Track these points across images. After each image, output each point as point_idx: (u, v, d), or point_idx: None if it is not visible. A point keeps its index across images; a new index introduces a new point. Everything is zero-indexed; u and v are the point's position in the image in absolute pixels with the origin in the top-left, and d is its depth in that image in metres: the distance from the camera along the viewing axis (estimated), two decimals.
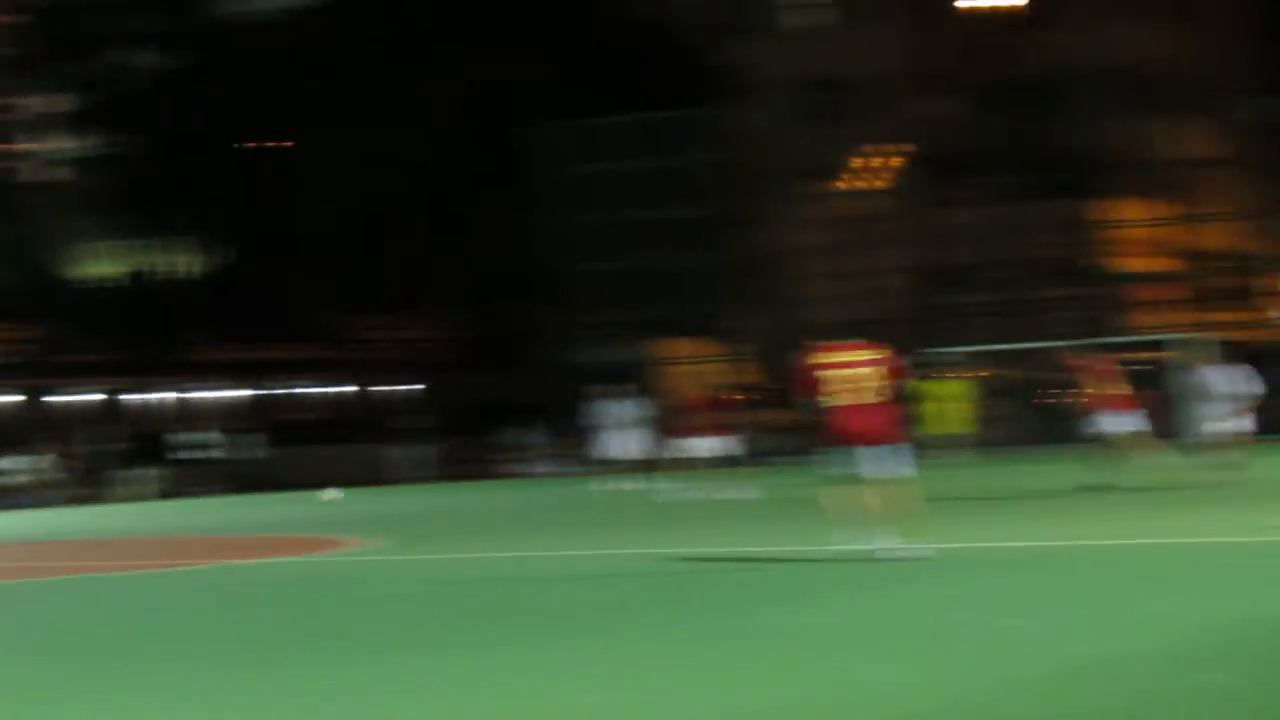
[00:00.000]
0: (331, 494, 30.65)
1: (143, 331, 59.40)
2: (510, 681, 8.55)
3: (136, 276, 63.31)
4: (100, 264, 73.76)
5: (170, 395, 69.25)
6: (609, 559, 16.14)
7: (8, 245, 56.00)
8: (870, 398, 13.62)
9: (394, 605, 13.20)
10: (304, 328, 63.94)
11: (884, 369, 13.74)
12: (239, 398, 69.04)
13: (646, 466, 30.27)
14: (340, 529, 23.31)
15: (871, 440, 13.60)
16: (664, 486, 27.37)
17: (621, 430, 31.29)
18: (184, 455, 49.45)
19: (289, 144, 62.20)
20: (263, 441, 50.92)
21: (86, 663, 10.61)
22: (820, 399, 13.68)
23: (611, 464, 31.47)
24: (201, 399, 72.07)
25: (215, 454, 49.64)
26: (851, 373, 13.66)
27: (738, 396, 33.59)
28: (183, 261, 65.27)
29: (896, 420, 13.78)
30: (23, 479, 46.80)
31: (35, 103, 64.12)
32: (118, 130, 64.44)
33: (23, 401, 68.44)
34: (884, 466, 13.61)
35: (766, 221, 54.37)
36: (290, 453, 53.54)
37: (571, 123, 55.32)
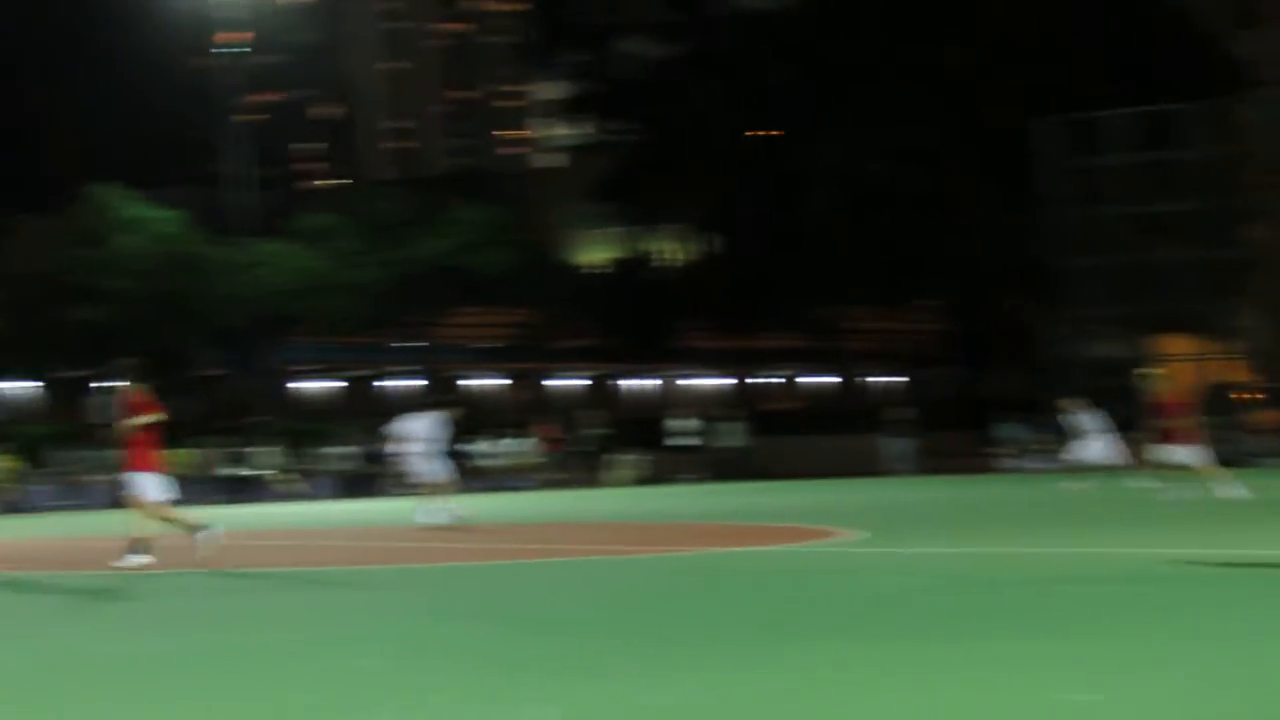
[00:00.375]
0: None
1: (632, 318, 60.40)
2: (984, 675, 8.31)
3: (627, 263, 64.45)
4: (593, 250, 75.53)
5: (657, 381, 70.45)
6: (1089, 558, 15.43)
7: (507, 230, 57.68)
8: None
9: (881, 597, 12.86)
10: (791, 317, 64.07)
11: None
12: (723, 385, 69.64)
13: (1129, 467, 29.82)
14: (823, 519, 22.90)
15: None
16: (1158, 486, 26.55)
17: (1102, 432, 31.27)
18: (671, 442, 49.96)
19: (778, 134, 62.36)
20: (745, 430, 51.07)
21: (591, 641, 10.74)
22: None
23: (1091, 464, 31.07)
24: (687, 385, 73.11)
25: (696, 441, 49.99)
26: None
27: (1235, 396, 32.53)
28: (673, 249, 66.17)
29: None
30: (503, 462, 48.03)
31: (538, 90, 66.07)
32: (614, 118, 65.71)
33: (510, 385, 70.61)
34: None
35: (1272, 218, 51.94)
36: (770, 441, 53.70)
37: (1075, 116, 54.00)
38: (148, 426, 16.99)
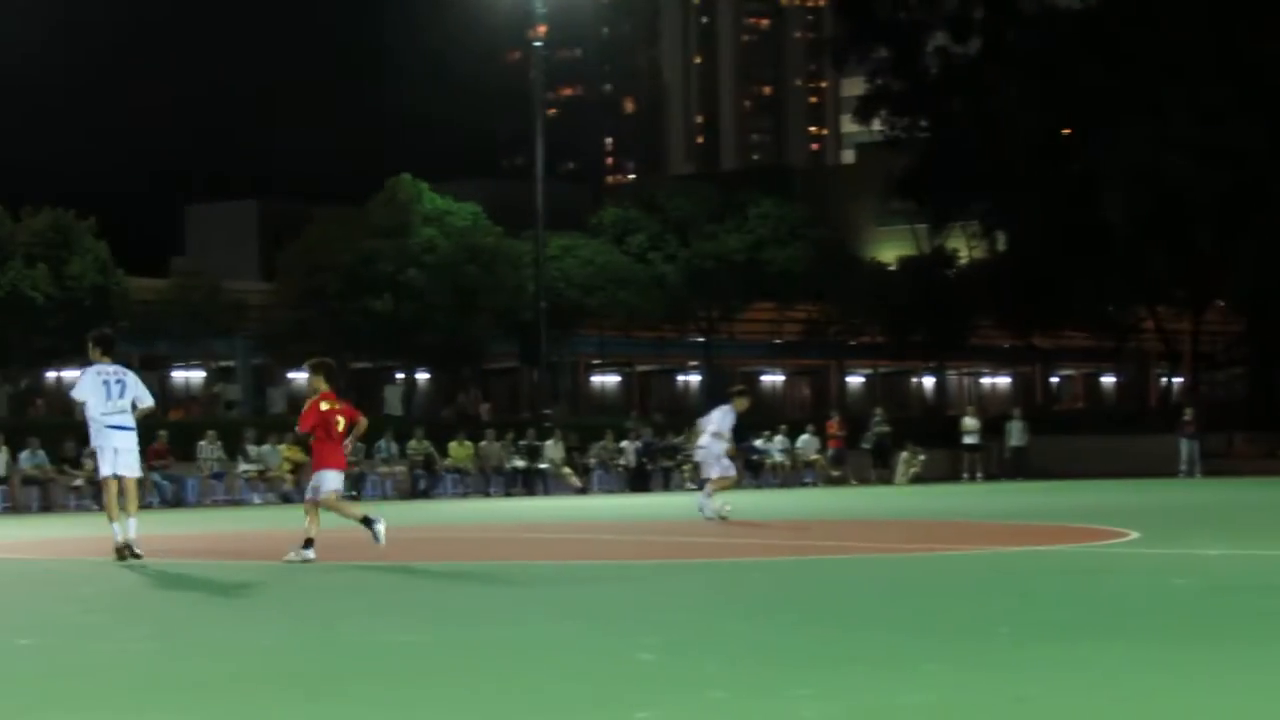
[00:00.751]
0: None
1: (922, 315, 60.02)
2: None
3: (919, 260, 64.02)
4: (886, 246, 75.13)
5: (945, 379, 69.85)
6: None
7: (801, 225, 57.75)
8: None
9: (1160, 598, 12.61)
10: (1081, 316, 63.08)
11: None
12: (1010, 383, 68.78)
13: None
14: (1107, 520, 22.50)
15: None
16: None
17: None
18: (961, 440, 49.60)
19: (1075, 131, 61.27)
20: (1027, 428, 50.47)
21: (873, 636, 10.73)
22: None
23: None
24: (975, 383, 72.35)
25: (981, 439, 49.50)
26: None
27: None
28: (965, 246, 65.56)
29: None
30: (788, 458, 48.08)
31: (837, 86, 65.89)
32: (911, 114, 65.29)
33: (798, 381, 70.54)
34: None
35: None
36: (1055, 441, 53.08)
37: None
38: (333, 424, 17.17)
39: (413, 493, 42.40)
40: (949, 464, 49.14)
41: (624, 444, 46.15)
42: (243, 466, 40.17)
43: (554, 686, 8.77)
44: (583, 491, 43.40)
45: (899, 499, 35.54)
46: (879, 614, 12.17)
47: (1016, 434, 50.07)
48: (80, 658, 10.22)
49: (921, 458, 48.68)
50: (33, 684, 9.11)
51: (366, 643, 10.68)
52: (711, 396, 61.15)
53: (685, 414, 58.07)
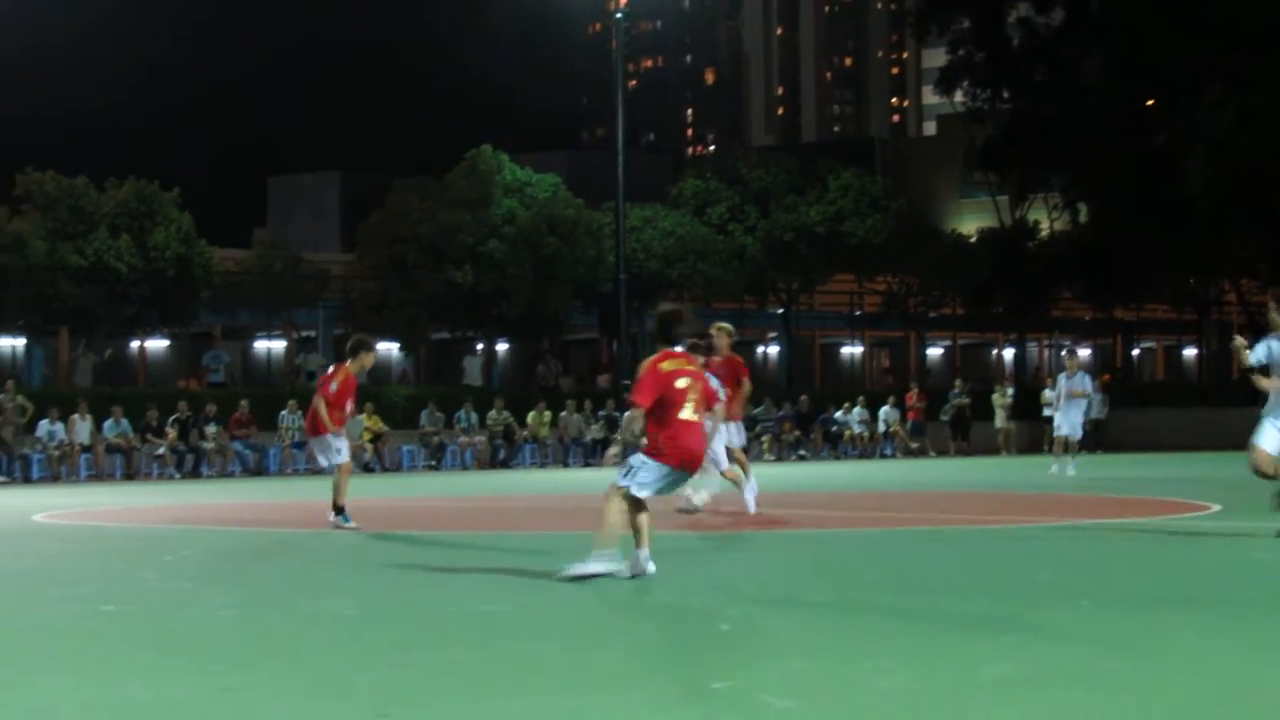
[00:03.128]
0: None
1: (1003, 286, 59.68)
2: None
3: (1000, 232, 63.64)
4: (966, 218, 74.71)
5: (1026, 350, 69.47)
6: None
7: (883, 197, 57.43)
8: None
9: (1244, 570, 12.46)
10: (1163, 288, 62.47)
11: None
12: (1091, 355, 68.27)
13: None
14: (1188, 493, 22.35)
15: None
16: None
17: None
18: (1048, 413, 49.37)
19: (1157, 102, 60.64)
20: (1107, 400, 50.13)
21: (948, 604, 10.71)
22: None
23: None
24: (1056, 355, 71.82)
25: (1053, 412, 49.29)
26: None
27: None
28: (1047, 218, 65.13)
29: None
30: (859, 430, 47.98)
31: (918, 57, 65.49)
32: (992, 85, 64.87)
33: (878, 353, 70.31)
34: None
35: None
36: (1135, 413, 52.69)
37: None
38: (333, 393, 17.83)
39: (492, 463, 42.58)
40: (1029, 436, 48.91)
41: None
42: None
43: (632, 655, 8.79)
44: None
45: (978, 471, 35.36)
46: (959, 585, 12.13)
47: (1096, 406, 49.77)
48: (163, 624, 10.33)
49: (1010, 391, 48.98)
50: (116, 651, 9.22)
51: (446, 612, 10.75)
52: (791, 367, 61.20)
53: (765, 385, 57.95)
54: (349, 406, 18.04)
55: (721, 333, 19.70)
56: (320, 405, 17.89)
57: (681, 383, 12.09)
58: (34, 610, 11.27)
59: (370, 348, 18.25)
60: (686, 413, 12.05)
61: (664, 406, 12.06)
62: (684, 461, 12.09)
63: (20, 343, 48.49)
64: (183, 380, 49.33)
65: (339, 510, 17.52)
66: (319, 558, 14.84)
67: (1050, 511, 20.65)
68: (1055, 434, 31.37)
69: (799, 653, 8.66)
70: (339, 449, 17.81)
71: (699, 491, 19.02)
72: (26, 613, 11.13)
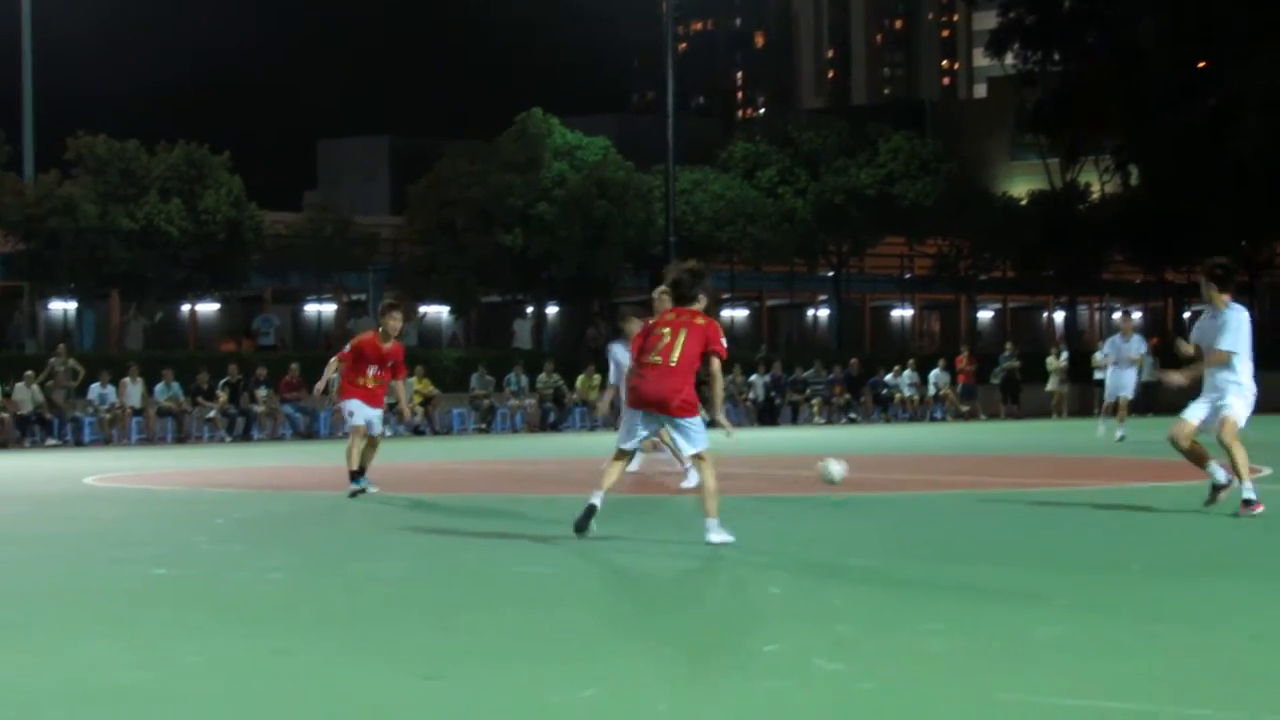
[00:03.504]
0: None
1: (1053, 249, 59.40)
2: None
3: (1050, 194, 63.28)
4: (1017, 181, 74.31)
5: (1076, 314, 69.15)
6: None
7: (933, 160, 57.19)
8: None
9: None
10: (1215, 251, 62.02)
11: None
12: (1142, 319, 67.92)
13: None
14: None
15: None
16: None
17: None
18: (1099, 376, 49.14)
19: (1209, 64, 60.18)
20: (1155, 364, 49.85)
21: (996, 571, 10.69)
22: None
23: None
24: (1106, 319, 71.48)
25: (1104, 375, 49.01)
26: None
27: None
28: (1097, 180, 64.74)
29: None
30: (909, 393, 47.83)
31: (968, 19, 65.14)
32: (1042, 48, 64.46)
33: (928, 316, 70.07)
34: None
35: None
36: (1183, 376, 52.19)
37: None
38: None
39: (542, 426, 42.65)
40: (1081, 399, 48.72)
41: (753, 378, 46.10)
42: None
43: (682, 618, 8.79)
44: (710, 425, 43.41)
45: (1029, 434, 35.26)
46: (1008, 549, 12.10)
47: (1147, 369, 49.47)
48: (214, 587, 10.38)
49: (1064, 354, 48.83)
50: (167, 613, 9.27)
51: (494, 575, 10.77)
52: (841, 330, 61.08)
53: (814, 348, 57.86)
54: (373, 371, 17.58)
55: (667, 296, 19.06)
56: (330, 365, 18.07)
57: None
58: (86, 573, 11.35)
59: (393, 309, 17.90)
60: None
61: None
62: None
63: (72, 306, 48.77)
64: (225, 343, 49.54)
65: (353, 475, 17.41)
66: (369, 521, 14.89)
67: (1100, 476, 20.58)
68: (1107, 397, 31.07)
69: (848, 617, 8.65)
70: (350, 412, 17.65)
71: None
72: (78, 575, 11.21)
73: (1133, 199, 61.79)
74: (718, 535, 11.83)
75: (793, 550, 12.12)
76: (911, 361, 49.12)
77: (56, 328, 49.88)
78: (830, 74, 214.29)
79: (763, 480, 20.25)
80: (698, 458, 12.14)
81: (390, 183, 71.20)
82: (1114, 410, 30.58)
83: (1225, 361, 14.14)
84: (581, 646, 7.95)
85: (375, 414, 17.68)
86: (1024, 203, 63.22)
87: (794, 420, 45.64)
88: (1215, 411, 14.29)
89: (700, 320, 12.22)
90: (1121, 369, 30.52)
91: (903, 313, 67.80)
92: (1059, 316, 69.38)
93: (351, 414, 17.62)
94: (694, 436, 12.10)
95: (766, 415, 45.31)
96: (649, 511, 15.23)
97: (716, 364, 12.21)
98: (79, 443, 36.06)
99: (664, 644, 7.99)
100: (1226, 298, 14.18)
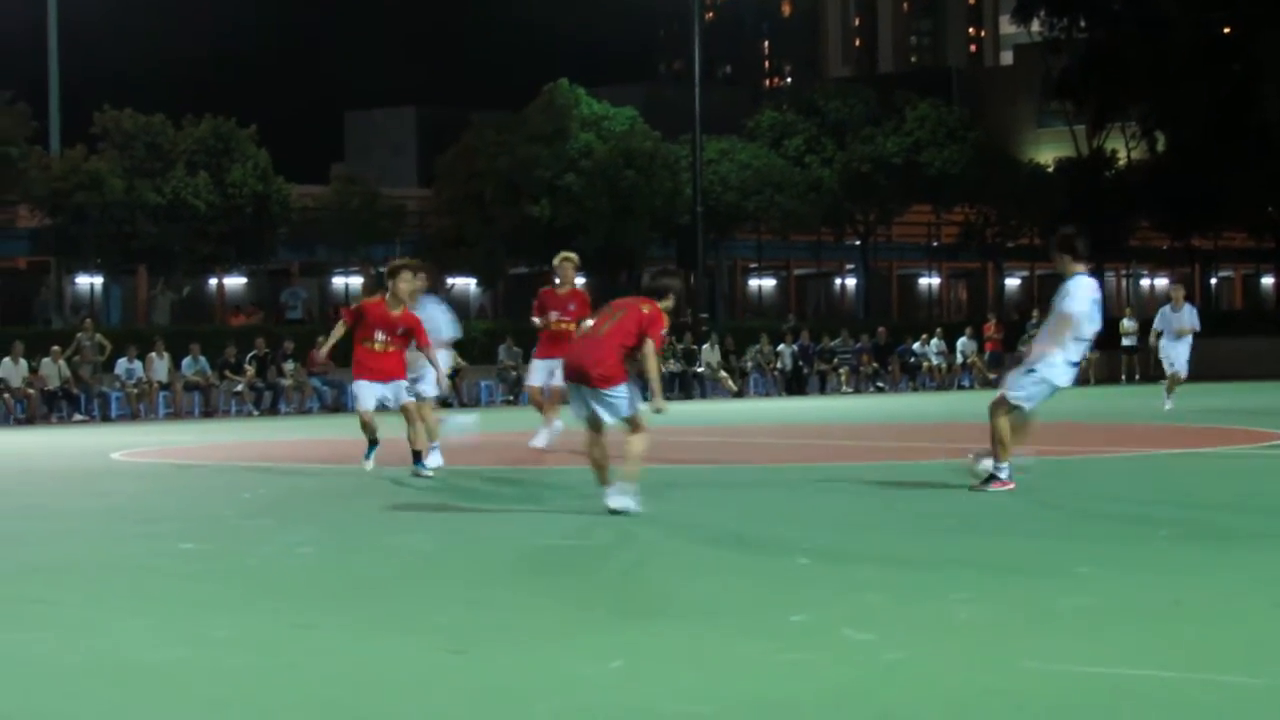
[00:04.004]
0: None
1: (1080, 216, 59.18)
2: None
3: (1077, 161, 63.06)
4: (1044, 148, 74.04)
5: (1105, 281, 68.93)
6: None
7: (960, 127, 57.04)
8: None
9: None
10: (1242, 217, 61.79)
11: None
12: (1166, 284, 67.72)
13: None
14: (1269, 422, 22.12)
15: None
16: None
17: None
18: (1126, 343, 48.99)
19: (1233, 30, 59.90)
20: None
21: (1013, 542, 10.67)
22: None
23: None
24: (1135, 285, 71.31)
25: (1139, 341, 48.87)
26: None
27: None
28: (1124, 147, 64.46)
29: None
30: (937, 362, 47.73)
31: None
32: (1068, 14, 64.16)
33: (954, 284, 69.94)
34: None
35: None
36: (1214, 343, 52.13)
37: None
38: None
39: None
40: (1108, 366, 48.61)
41: (780, 347, 46.07)
42: None
43: (710, 588, 8.79)
44: (739, 395, 43.39)
45: (1055, 401, 35.14)
46: (1034, 518, 12.09)
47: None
48: (241, 561, 10.41)
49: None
50: (194, 588, 9.30)
51: (523, 547, 10.78)
52: (868, 299, 60.97)
53: (842, 317, 57.78)
54: (381, 337, 16.13)
55: (567, 263, 19.14)
56: (337, 327, 17.05)
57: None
58: (113, 548, 11.38)
59: (402, 271, 16.29)
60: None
61: None
62: None
63: (98, 281, 48.91)
64: (235, 316, 49.55)
65: (416, 456, 16.28)
66: (397, 494, 14.89)
67: (1128, 442, 20.52)
68: (1168, 371, 29.91)
69: (876, 586, 8.65)
70: (355, 395, 16.71)
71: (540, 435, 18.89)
72: (107, 551, 11.24)
73: (1159, 165, 61.55)
74: (618, 501, 12.01)
75: (820, 519, 12.12)
76: (939, 330, 49.00)
77: (83, 303, 50.06)
78: (857, 42, 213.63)
79: (791, 449, 20.22)
80: (630, 423, 12.29)
81: (418, 154, 71.24)
82: (1173, 383, 29.54)
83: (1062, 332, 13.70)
84: (608, 619, 7.95)
85: (391, 388, 16.29)
86: (1051, 169, 63.04)
87: (822, 390, 45.58)
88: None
89: (645, 308, 12.44)
90: (1172, 341, 29.58)
91: (930, 281, 67.69)
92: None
93: (357, 398, 16.59)
94: (615, 406, 12.25)
95: (794, 385, 45.27)
96: (679, 482, 15.21)
97: (649, 345, 12.34)
98: (106, 418, 36.13)
99: (692, 614, 7.99)
100: (1078, 267, 13.82)
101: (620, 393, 12.23)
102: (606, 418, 12.32)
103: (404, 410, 16.31)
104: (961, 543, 10.60)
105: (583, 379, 12.24)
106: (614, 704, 6.15)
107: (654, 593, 8.86)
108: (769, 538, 11.01)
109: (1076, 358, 13.64)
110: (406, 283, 16.17)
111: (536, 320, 19.34)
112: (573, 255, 19.36)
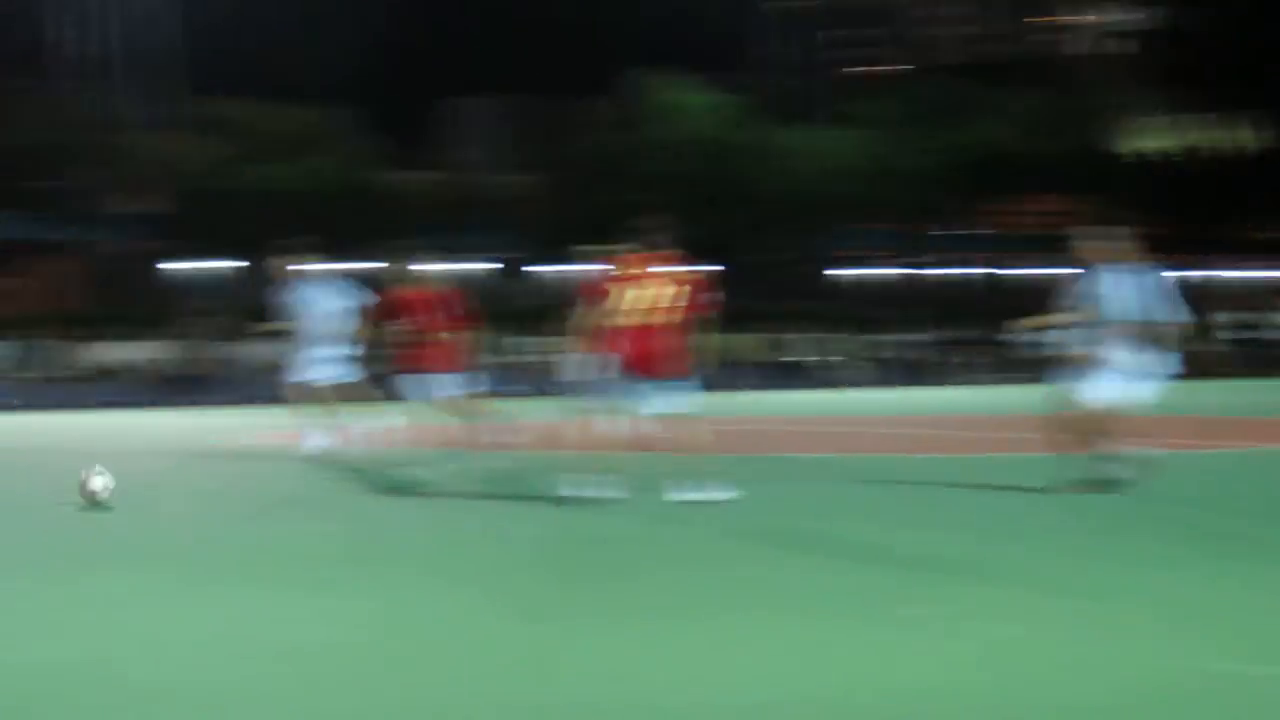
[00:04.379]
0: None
1: (1183, 208, 58.61)
2: None
3: (1180, 152, 62.48)
4: (1145, 138, 73.34)
5: (1206, 273, 68.24)
6: None
7: (1060, 117, 56.62)
8: None
9: None
10: None
11: None
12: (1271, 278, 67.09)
13: None
14: None
15: None
16: None
17: None
18: (1232, 336, 48.62)
19: None
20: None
21: (1062, 541, 10.59)
22: None
23: None
24: (1236, 278, 70.53)
25: (1240, 335, 48.39)
26: None
27: None
28: (1227, 139, 63.78)
29: None
30: (1043, 352, 47.33)
31: None
32: (1170, 4, 63.62)
33: (1055, 275, 69.43)
34: None
35: None
36: None
37: None
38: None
39: None
40: (1209, 360, 48.17)
41: (885, 337, 45.86)
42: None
43: (809, 580, 8.63)
44: (840, 384, 43.19)
45: (1176, 395, 34.75)
46: (1175, 514, 11.85)
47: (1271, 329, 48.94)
48: (376, 542, 10.39)
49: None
50: (309, 567, 9.27)
51: (623, 536, 10.69)
52: (978, 291, 60.49)
53: (953, 308, 57.42)
54: (407, 316, 15.47)
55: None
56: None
57: None
58: (262, 530, 11.31)
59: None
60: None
61: None
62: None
63: (218, 265, 49.32)
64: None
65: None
66: (519, 481, 14.71)
67: (1228, 437, 20.25)
68: None
69: (1018, 579, 8.48)
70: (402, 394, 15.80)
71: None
72: (254, 533, 11.16)
73: (1261, 157, 60.86)
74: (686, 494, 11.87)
75: (928, 514, 11.98)
76: (1049, 320, 48.61)
77: (204, 287, 50.51)
78: (958, 30, 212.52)
79: (925, 442, 20.07)
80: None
81: (513, 143, 71.44)
82: None
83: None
84: (700, 606, 7.80)
85: (436, 379, 15.47)
86: (1154, 160, 62.49)
87: (942, 380, 45.32)
88: None
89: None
90: None
91: (1031, 272, 67.20)
92: (1189, 275, 68.59)
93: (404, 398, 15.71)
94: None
95: (915, 375, 44.99)
96: (772, 473, 15.07)
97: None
98: (233, 401, 36.10)
99: (796, 605, 7.82)
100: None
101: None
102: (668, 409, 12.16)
103: (456, 402, 15.71)
104: (1100, 540, 10.41)
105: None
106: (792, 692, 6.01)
107: (747, 583, 8.71)
108: (865, 532, 10.87)
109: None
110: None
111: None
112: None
